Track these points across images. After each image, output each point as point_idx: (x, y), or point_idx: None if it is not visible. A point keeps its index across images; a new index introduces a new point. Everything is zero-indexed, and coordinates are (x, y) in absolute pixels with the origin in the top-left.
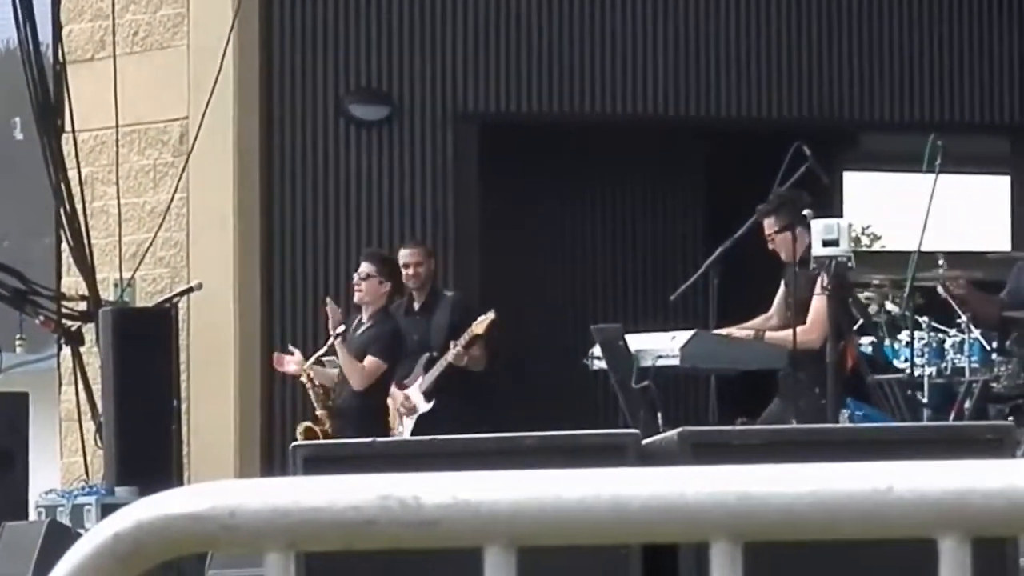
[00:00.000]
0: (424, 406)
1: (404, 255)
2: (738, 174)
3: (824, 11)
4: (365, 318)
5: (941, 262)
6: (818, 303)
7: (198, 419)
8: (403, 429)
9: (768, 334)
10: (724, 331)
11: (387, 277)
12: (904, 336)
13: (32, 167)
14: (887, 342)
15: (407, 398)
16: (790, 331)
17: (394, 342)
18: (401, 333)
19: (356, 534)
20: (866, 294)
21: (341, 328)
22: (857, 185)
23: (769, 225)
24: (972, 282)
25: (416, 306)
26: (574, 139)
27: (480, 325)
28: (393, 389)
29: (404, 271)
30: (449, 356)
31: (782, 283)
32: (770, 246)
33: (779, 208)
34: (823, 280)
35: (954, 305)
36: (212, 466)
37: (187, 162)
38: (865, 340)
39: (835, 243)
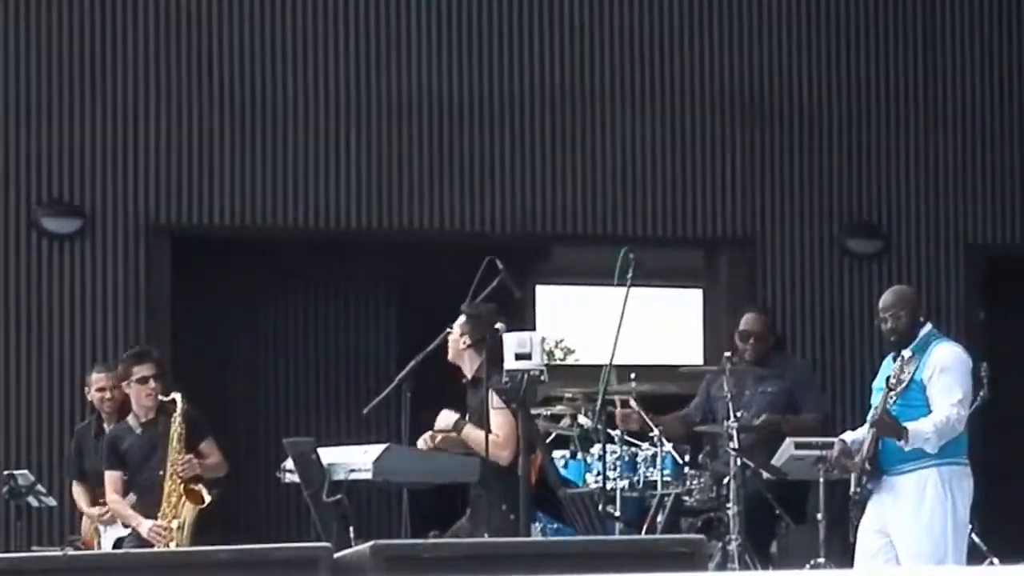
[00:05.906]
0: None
1: (98, 379)
2: (431, 288)
3: (517, 124)
4: None
5: (633, 376)
6: (502, 419)
7: None
8: (105, 542)
9: (466, 430)
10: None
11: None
12: (596, 449)
13: None
14: (579, 455)
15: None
16: (483, 432)
17: None
18: None
19: None
20: (559, 408)
21: None
22: (550, 298)
23: (461, 337)
24: (658, 397)
25: (106, 427)
26: (267, 253)
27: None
28: (88, 509)
29: (99, 395)
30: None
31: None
32: (451, 357)
33: (470, 323)
34: (510, 395)
35: (646, 419)
36: None
37: None
38: (558, 454)
39: (527, 356)
